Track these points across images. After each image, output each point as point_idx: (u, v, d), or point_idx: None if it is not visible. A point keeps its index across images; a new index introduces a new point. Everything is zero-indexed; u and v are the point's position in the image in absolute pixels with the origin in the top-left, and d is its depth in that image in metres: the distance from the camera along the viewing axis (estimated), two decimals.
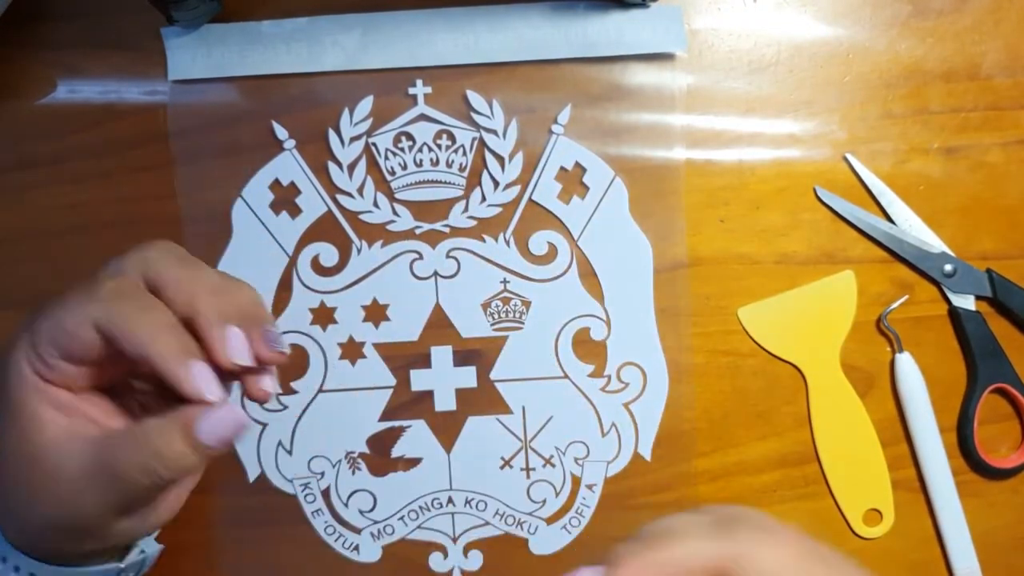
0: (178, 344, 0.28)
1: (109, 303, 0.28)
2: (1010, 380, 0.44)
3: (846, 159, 0.44)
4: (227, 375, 0.29)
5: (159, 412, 0.29)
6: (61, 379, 0.29)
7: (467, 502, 0.44)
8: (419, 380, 0.44)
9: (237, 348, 0.29)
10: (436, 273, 0.44)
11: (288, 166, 0.44)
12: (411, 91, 0.43)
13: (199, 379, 0.27)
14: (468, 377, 0.44)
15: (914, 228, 0.44)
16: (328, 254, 0.44)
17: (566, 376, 0.44)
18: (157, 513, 0.31)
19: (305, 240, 0.44)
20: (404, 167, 0.44)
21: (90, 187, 0.44)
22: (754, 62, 0.44)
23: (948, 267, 0.44)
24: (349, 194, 0.44)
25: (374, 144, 0.43)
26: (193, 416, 0.28)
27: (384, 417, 0.44)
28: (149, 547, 0.35)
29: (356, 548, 0.44)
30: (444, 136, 0.43)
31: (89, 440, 0.28)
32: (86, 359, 0.28)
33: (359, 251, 0.44)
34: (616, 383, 0.44)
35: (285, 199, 0.44)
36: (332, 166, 0.44)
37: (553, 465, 0.44)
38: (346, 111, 0.43)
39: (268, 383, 0.30)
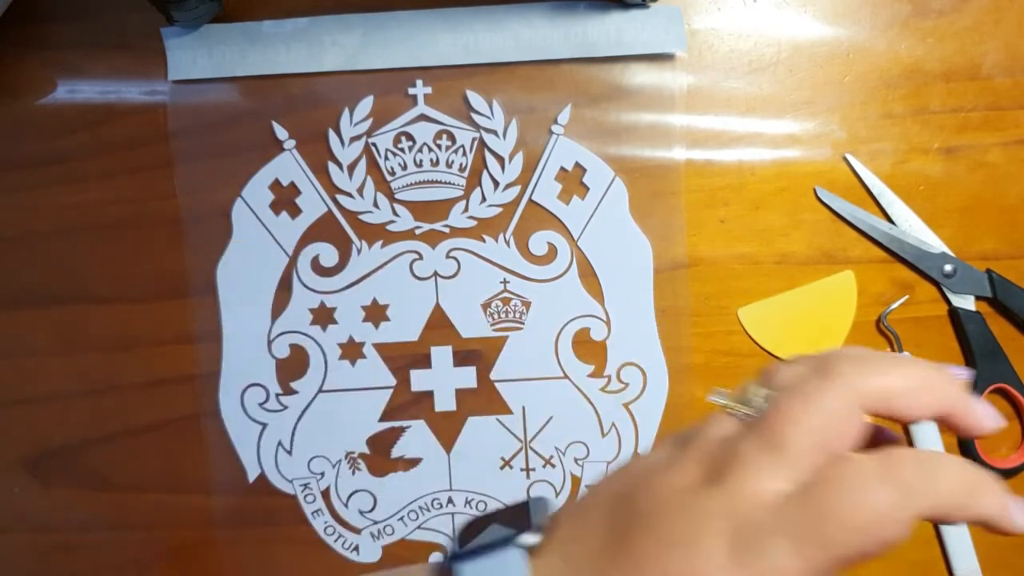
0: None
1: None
2: (1010, 380, 0.44)
3: (846, 159, 0.44)
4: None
5: None
6: None
7: (467, 502, 0.44)
8: (419, 380, 0.44)
9: (988, 415, 0.26)
10: (436, 273, 0.44)
11: (288, 166, 0.44)
12: (411, 91, 0.43)
13: (984, 413, 0.25)
14: (468, 377, 0.44)
15: (914, 228, 0.44)
16: (328, 254, 0.44)
17: (566, 376, 0.44)
18: None
19: (305, 240, 0.44)
20: (404, 167, 0.44)
21: (90, 187, 0.44)
22: (754, 62, 0.44)
23: (948, 267, 0.44)
24: (349, 194, 0.44)
25: (374, 144, 0.43)
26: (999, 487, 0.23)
27: (384, 417, 0.44)
28: None
29: (356, 548, 0.44)
30: (444, 136, 0.43)
31: None
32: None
33: (359, 251, 0.44)
34: (616, 383, 0.44)
35: (285, 199, 0.44)
36: (332, 166, 0.44)
37: (553, 465, 0.44)
38: (346, 111, 0.43)
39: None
